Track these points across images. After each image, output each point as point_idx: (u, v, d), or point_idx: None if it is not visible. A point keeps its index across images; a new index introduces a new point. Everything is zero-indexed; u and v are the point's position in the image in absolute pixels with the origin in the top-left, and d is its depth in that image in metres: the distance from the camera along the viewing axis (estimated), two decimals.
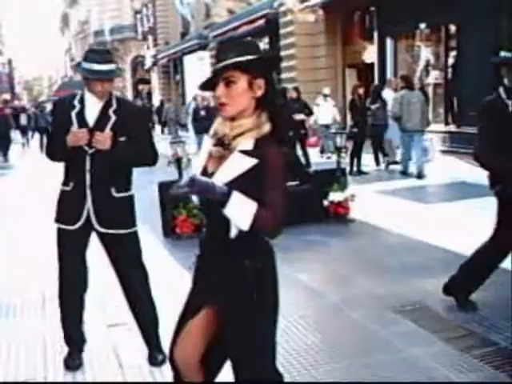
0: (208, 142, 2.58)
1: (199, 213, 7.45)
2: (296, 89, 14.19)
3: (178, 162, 7.75)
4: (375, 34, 17.67)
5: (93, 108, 3.82)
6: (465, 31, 14.05)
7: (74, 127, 3.76)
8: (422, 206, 9.07)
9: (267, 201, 2.40)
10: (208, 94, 23.46)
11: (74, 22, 69.65)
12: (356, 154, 12.25)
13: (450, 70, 15.15)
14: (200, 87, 2.66)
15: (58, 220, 3.93)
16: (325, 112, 15.54)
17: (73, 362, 4.02)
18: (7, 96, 44.47)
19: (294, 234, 7.45)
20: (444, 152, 14.17)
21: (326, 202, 8.11)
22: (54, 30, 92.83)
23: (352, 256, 6.68)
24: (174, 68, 38.85)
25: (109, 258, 4.01)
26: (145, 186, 9.64)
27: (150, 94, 45.91)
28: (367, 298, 5.21)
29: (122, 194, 3.89)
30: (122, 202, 3.90)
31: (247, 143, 2.44)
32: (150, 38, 41.40)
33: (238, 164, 2.42)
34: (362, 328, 4.58)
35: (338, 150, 8.25)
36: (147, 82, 47.37)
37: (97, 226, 3.84)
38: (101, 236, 3.93)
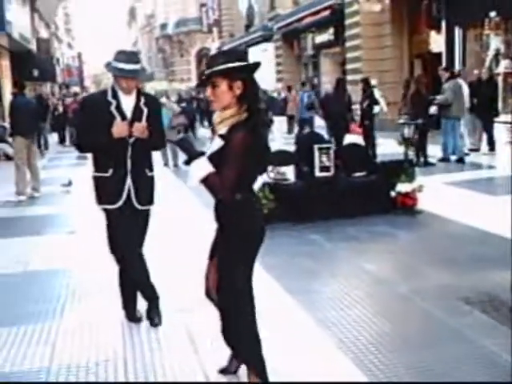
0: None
1: (268, 202, 7.52)
2: (366, 80, 14.14)
3: None
4: (443, 23, 17.37)
5: (127, 102, 4.35)
6: None
7: (118, 120, 4.27)
8: (490, 198, 8.93)
9: (221, 171, 3.13)
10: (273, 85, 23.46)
11: (140, 15, 70.85)
12: (421, 144, 12.11)
13: None
14: (196, 86, 3.50)
15: (101, 202, 4.47)
16: None
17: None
18: (77, 89, 45.68)
19: (361, 225, 7.51)
20: None
21: (393, 193, 8.09)
22: (122, 23, 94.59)
23: (420, 247, 6.66)
24: None
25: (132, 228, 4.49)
26: None
27: None
28: (437, 288, 5.20)
29: (151, 173, 4.56)
30: (152, 180, 4.58)
31: (224, 129, 3.20)
32: (215, 30, 41.82)
33: (214, 145, 3.21)
34: (432, 318, 4.59)
35: (406, 140, 8.20)
36: None
37: (136, 205, 4.42)
38: (135, 212, 4.45)
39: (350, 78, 20.65)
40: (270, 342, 4.14)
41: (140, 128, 4.26)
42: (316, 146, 8.05)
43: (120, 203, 4.37)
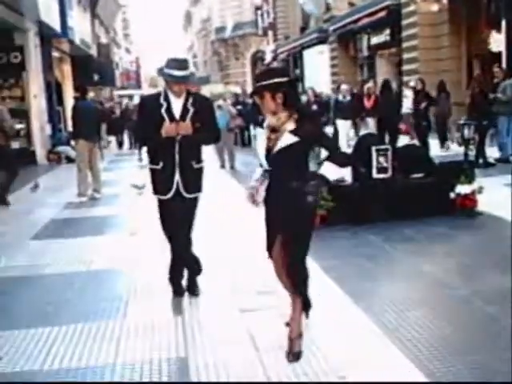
0: (263, 132, 4.09)
1: (326, 203, 7.55)
2: (421, 80, 14.00)
3: None
4: (503, 22, 17.01)
5: (176, 104, 4.92)
6: None
7: (167, 122, 4.83)
8: None
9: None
10: (326, 88, 23.28)
11: (196, 19, 71.59)
12: (481, 145, 11.91)
13: None
14: (250, 95, 4.34)
15: (155, 192, 5.10)
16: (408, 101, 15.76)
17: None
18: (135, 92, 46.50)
19: (419, 227, 7.44)
20: None
21: (452, 195, 7.99)
22: (178, 28, 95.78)
23: (480, 250, 6.56)
24: (293, 62, 39.04)
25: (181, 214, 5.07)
26: None
27: None
28: (498, 292, 5.11)
29: (199, 165, 5.10)
30: (199, 171, 5.12)
31: (290, 127, 3.95)
32: (270, 33, 41.90)
33: (284, 140, 3.93)
34: (495, 322, 4.52)
35: (466, 141, 8.08)
36: None
37: (184, 194, 4.99)
38: (184, 200, 5.01)
39: (406, 78, 20.46)
40: (332, 346, 4.19)
41: (184, 126, 4.84)
42: (374, 148, 8.03)
43: (171, 194, 4.98)
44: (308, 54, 34.16)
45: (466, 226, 7.49)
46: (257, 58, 51.59)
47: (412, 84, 16.89)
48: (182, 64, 4.85)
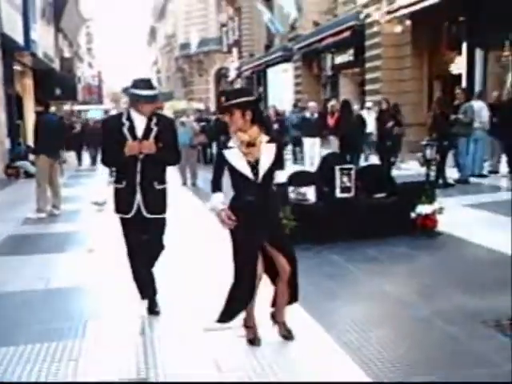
0: (234, 151, 4.31)
1: (288, 222, 7.55)
2: (386, 100, 14.21)
3: None
4: (464, 45, 17.36)
5: (139, 123, 4.97)
6: None
7: (129, 140, 4.89)
8: (509, 220, 8.84)
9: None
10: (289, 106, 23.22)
11: (160, 35, 71.55)
12: (442, 165, 12.08)
13: None
14: (216, 112, 5.59)
15: (117, 211, 5.11)
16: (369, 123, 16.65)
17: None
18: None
19: (381, 246, 7.48)
20: None
21: (413, 215, 8.06)
22: (142, 43, 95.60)
23: (441, 269, 6.61)
24: (257, 80, 39.25)
25: (144, 236, 5.12)
26: None
27: None
28: (459, 311, 5.16)
29: (161, 186, 5.11)
30: (161, 192, 5.12)
31: (265, 138, 4.33)
32: (235, 50, 42.08)
33: (271, 148, 4.33)
34: (456, 342, 4.55)
35: (428, 161, 8.18)
36: None
37: (144, 213, 5.01)
38: (146, 220, 5.04)
39: (369, 98, 20.70)
40: (295, 366, 4.17)
41: (147, 145, 4.90)
42: (337, 167, 8.07)
43: (132, 213, 5.01)
44: (272, 72, 34.39)
45: (426, 246, 7.56)
46: (221, 74, 51.74)
47: (368, 105, 17.98)
48: (150, 84, 5.02)
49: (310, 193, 8.14)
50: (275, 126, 16.29)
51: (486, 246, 7.36)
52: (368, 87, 21.69)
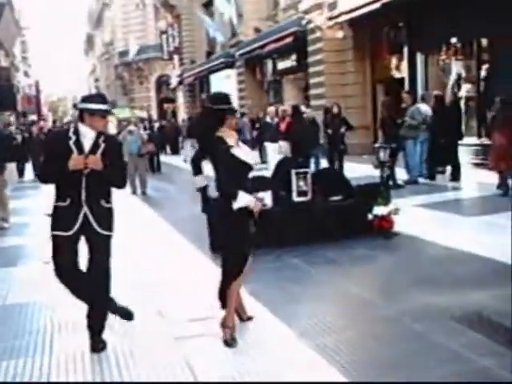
0: (236, 150, 4.66)
1: None
2: (337, 105, 14.38)
3: None
4: (405, 49, 17.74)
5: (87, 138, 4.74)
6: (498, 45, 14.11)
7: (75, 154, 4.62)
8: (463, 219, 9.09)
9: None
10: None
11: (98, 43, 70.59)
12: (391, 167, 12.28)
13: (482, 83, 15.16)
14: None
15: (54, 229, 4.72)
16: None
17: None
18: (34, 117, 45.09)
19: (340, 249, 7.56)
20: (477, 165, 14.15)
21: (370, 216, 8.18)
22: (79, 51, 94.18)
23: (401, 269, 6.73)
24: (199, 86, 39.17)
25: (90, 253, 4.76)
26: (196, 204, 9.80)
27: (174, 112, 46.33)
28: (426, 309, 5.25)
29: (108, 205, 4.84)
30: (108, 211, 4.84)
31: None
32: (176, 57, 41.87)
33: (246, 151, 4.91)
34: (426, 339, 4.63)
35: (382, 163, 8.31)
36: (172, 100, 47.83)
37: (97, 228, 4.69)
38: (92, 237, 4.73)
39: (313, 103, 20.92)
40: (271, 370, 4.16)
41: (94, 160, 4.62)
42: (293, 171, 8.12)
43: (73, 231, 4.67)
44: (215, 78, 34.34)
45: (385, 247, 7.67)
46: (161, 82, 51.38)
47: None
48: (100, 99, 4.90)
49: (267, 197, 8.15)
50: None
51: (441, 244, 7.54)
52: (312, 92, 21.91)
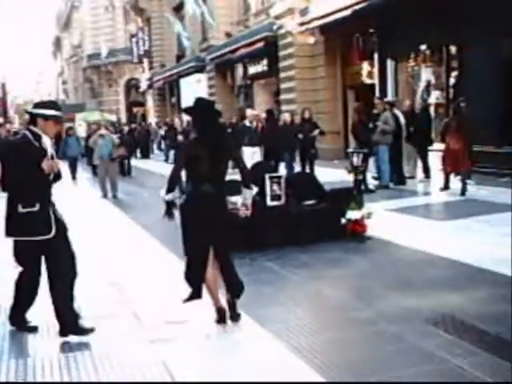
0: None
1: None
2: (309, 110, 14.50)
3: None
4: (375, 56, 17.94)
5: (47, 143, 4.99)
6: (466, 51, 14.35)
7: (48, 158, 4.84)
8: (435, 223, 9.21)
9: None
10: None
11: (66, 45, 69.91)
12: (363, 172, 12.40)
13: (451, 90, 15.40)
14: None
15: (34, 234, 4.86)
16: None
17: None
18: (0, 120, 44.47)
19: (313, 252, 7.62)
20: None
21: (343, 220, 8.24)
22: (47, 53, 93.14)
23: (375, 272, 6.79)
24: (169, 90, 39.08)
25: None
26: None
27: (144, 116, 46.15)
28: (400, 311, 5.32)
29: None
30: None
31: None
32: (146, 60, 41.71)
33: None
34: (402, 341, 4.69)
35: (355, 168, 8.39)
36: (141, 104, 47.61)
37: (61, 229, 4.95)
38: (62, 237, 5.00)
39: (284, 108, 21.00)
40: (244, 371, 4.18)
41: (57, 163, 5.02)
42: (267, 175, 8.16)
43: (53, 233, 4.87)
44: (185, 82, 34.28)
45: (358, 250, 7.74)
46: (131, 85, 51.11)
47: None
48: (56, 105, 5.18)
49: (240, 202, 8.16)
50: (180, 138, 14.90)
51: (413, 248, 7.64)
52: (283, 97, 22.02)
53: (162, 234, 8.86)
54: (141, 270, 7.20)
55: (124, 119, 46.50)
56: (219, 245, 5.11)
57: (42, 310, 5.59)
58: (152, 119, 40.36)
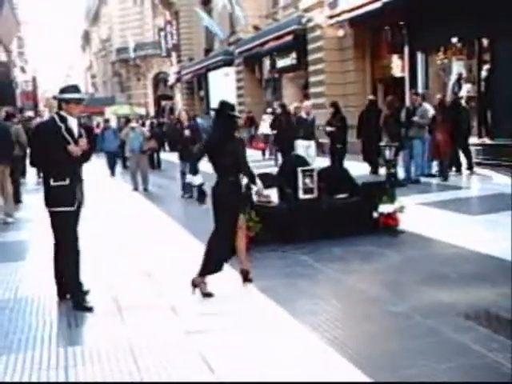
0: None
1: (254, 225, 7.66)
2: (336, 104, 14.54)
3: None
4: (405, 49, 17.82)
5: (73, 124, 5.61)
6: (499, 45, 14.20)
7: (72, 145, 5.47)
8: (466, 217, 9.17)
9: None
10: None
11: (95, 39, 70.45)
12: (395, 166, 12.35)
13: (482, 83, 15.26)
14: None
15: (59, 205, 5.51)
16: (266, 125, 20.16)
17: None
18: (31, 113, 45.02)
19: (346, 245, 7.64)
20: (478, 164, 14.24)
21: (375, 214, 8.25)
22: (76, 47, 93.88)
23: (409, 266, 6.79)
24: (198, 84, 39.20)
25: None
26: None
27: (172, 109, 46.33)
28: (435, 305, 5.33)
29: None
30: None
31: None
32: (174, 54, 41.85)
33: None
34: (437, 334, 4.70)
35: (388, 162, 8.37)
36: (170, 98, 47.81)
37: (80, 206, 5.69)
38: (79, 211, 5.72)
39: (313, 101, 20.94)
40: (288, 366, 4.22)
41: (84, 143, 5.59)
42: (299, 169, 8.19)
43: (75, 206, 5.56)
44: (213, 76, 34.39)
45: (391, 244, 7.73)
46: (159, 79, 51.37)
47: (269, 110, 20.68)
48: (75, 89, 5.74)
49: (273, 195, 8.23)
50: (186, 132, 13.97)
51: (446, 242, 7.63)
52: (312, 90, 21.98)
53: (192, 226, 8.97)
54: (173, 260, 7.29)
55: (152, 113, 46.77)
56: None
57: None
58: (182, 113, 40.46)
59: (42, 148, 5.58)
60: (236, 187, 5.96)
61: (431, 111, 12.88)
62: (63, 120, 5.54)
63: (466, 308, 5.21)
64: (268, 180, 8.49)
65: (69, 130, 5.52)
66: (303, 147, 13.57)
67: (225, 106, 6.03)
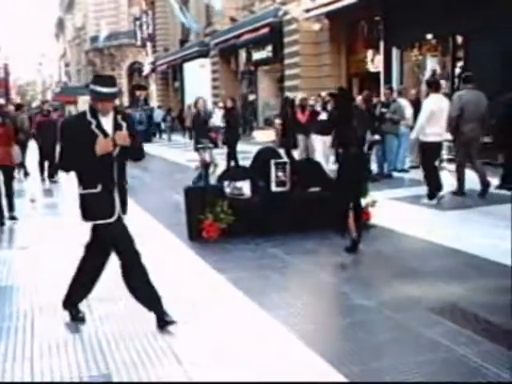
0: None
1: (226, 217, 7.64)
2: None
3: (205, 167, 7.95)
4: (381, 44, 17.90)
5: (106, 120, 4.59)
6: (472, 42, 14.31)
7: (100, 137, 4.47)
8: (437, 213, 9.23)
9: None
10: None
11: (69, 27, 69.65)
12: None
13: (456, 80, 15.37)
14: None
15: (95, 218, 4.66)
16: (217, 118, 19.56)
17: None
18: (2, 101, 44.35)
19: (317, 239, 7.64)
20: (450, 160, 14.32)
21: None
22: (49, 35, 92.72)
23: (380, 261, 6.81)
24: (173, 74, 38.99)
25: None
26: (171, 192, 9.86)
27: (146, 100, 45.99)
28: (405, 300, 5.35)
29: (127, 186, 4.81)
30: (126, 192, 4.80)
31: None
32: (149, 44, 41.57)
33: None
34: (407, 328, 4.72)
35: None
36: (144, 88, 47.48)
37: (121, 215, 4.69)
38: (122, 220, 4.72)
39: (288, 94, 20.96)
40: (253, 358, 4.21)
41: (122, 136, 4.50)
42: (273, 161, 8.16)
43: (115, 216, 4.62)
44: (189, 67, 34.22)
45: (363, 239, 7.72)
46: (134, 69, 51.00)
47: (221, 104, 19.97)
48: (109, 81, 4.64)
49: (245, 187, 8.20)
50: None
51: (417, 237, 7.68)
52: (287, 83, 21.98)
53: (166, 219, 8.95)
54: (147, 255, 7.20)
55: (126, 103, 46.40)
56: None
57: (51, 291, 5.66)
58: (155, 103, 40.20)
59: (70, 149, 4.57)
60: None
61: (408, 107, 12.94)
62: (94, 115, 4.58)
63: (436, 303, 5.23)
64: (240, 173, 8.50)
65: (100, 127, 4.55)
66: (321, 142, 13.41)
67: None
